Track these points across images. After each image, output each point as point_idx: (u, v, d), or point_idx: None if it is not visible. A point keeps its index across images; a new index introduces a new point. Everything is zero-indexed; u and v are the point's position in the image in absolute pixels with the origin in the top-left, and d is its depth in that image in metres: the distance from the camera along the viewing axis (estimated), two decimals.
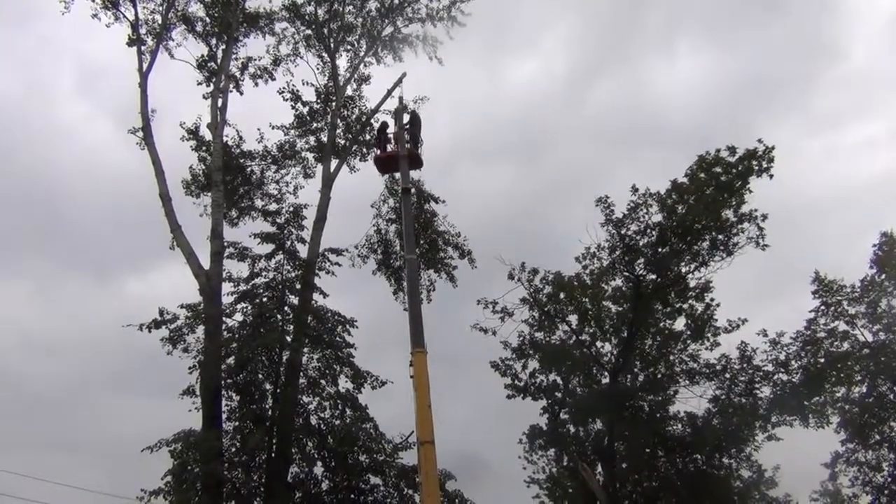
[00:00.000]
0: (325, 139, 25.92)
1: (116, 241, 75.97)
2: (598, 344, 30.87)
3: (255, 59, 26.70)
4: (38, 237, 74.48)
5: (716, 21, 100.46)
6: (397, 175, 20.39)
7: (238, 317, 20.55)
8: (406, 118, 19.63)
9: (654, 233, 26.47)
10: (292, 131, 26.26)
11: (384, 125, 20.51)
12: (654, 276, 27.69)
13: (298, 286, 21.12)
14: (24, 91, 75.99)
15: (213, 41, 26.03)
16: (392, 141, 19.55)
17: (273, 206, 25.30)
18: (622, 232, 26.84)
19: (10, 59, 74.86)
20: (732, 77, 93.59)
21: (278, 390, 19.67)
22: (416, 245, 20.69)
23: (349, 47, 28.17)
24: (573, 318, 30.51)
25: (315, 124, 26.46)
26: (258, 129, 25.91)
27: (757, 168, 25.38)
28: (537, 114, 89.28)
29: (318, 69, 27.28)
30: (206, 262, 20.73)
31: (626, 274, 28.12)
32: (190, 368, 19.43)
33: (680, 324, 29.61)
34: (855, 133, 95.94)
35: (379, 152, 20.23)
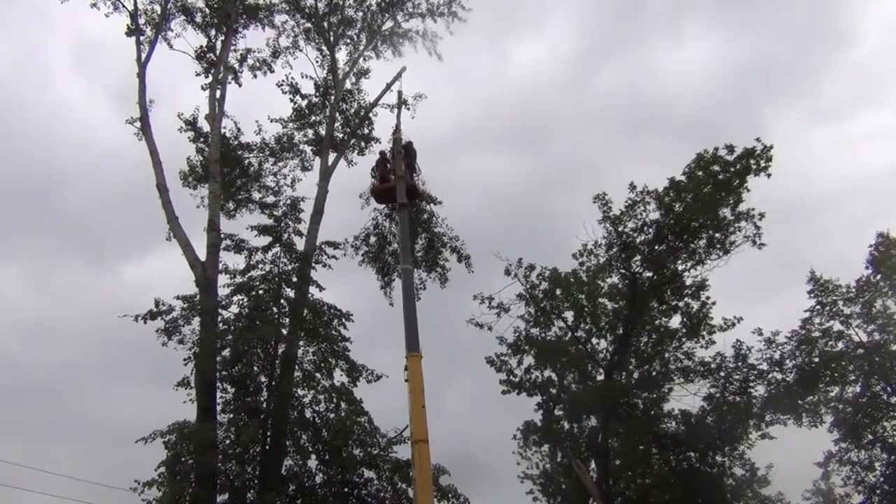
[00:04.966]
0: (323, 132, 25.86)
1: (113, 224, 75.58)
2: (594, 341, 31.09)
3: (255, 51, 26.75)
4: (33, 219, 74.14)
5: (723, 4, 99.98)
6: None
7: (234, 309, 20.46)
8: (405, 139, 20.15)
9: (651, 230, 26.58)
10: (290, 124, 26.21)
11: (384, 156, 20.65)
12: (650, 274, 27.79)
13: (295, 279, 21.08)
14: (18, 68, 75.28)
15: (213, 32, 25.99)
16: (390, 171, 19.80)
17: (270, 199, 25.28)
18: (619, 229, 26.92)
19: (5, 35, 73.99)
20: (739, 63, 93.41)
21: (273, 383, 19.63)
22: (412, 254, 21.00)
23: (349, 41, 28.23)
24: (569, 315, 30.67)
25: (313, 117, 26.37)
26: (256, 122, 25.93)
27: (755, 167, 25.44)
28: (541, 99, 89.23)
29: (317, 62, 27.32)
30: (202, 254, 20.72)
31: (623, 271, 28.24)
32: (185, 360, 19.41)
33: (675, 321, 29.78)
34: (862, 123, 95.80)
35: (377, 183, 20.47)
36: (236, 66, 26.17)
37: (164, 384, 20.06)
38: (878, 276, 29.90)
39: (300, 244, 21.87)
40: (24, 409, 54.06)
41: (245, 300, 20.51)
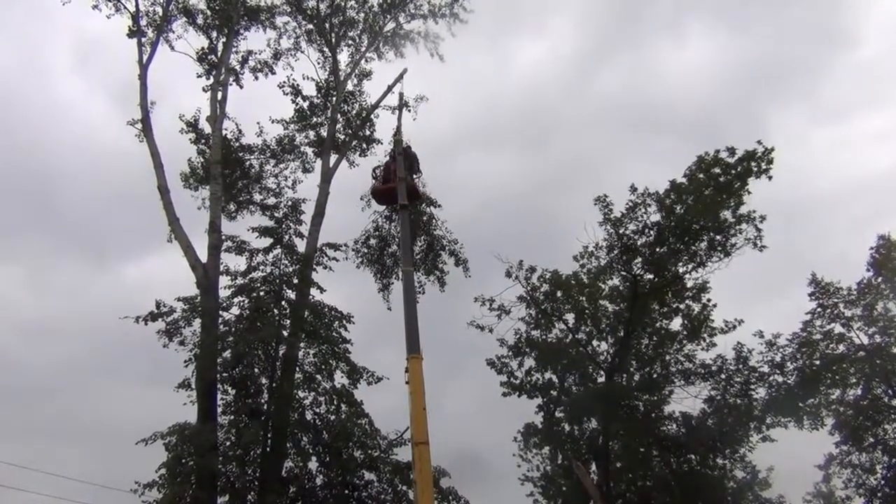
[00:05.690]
0: (324, 134, 25.86)
1: (113, 224, 75.58)
2: (595, 343, 31.04)
3: (256, 53, 26.74)
4: (33, 219, 74.09)
5: (725, 5, 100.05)
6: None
7: (235, 311, 20.45)
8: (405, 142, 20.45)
9: (652, 232, 26.50)
10: (292, 125, 26.21)
11: (390, 162, 20.73)
12: (651, 276, 27.74)
13: (296, 281, 21.09)
14: (19, 68, 75.11)
15: (214, 34, 25.98)
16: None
17: (271, 201, 25.28)
18: (620, 231, 26.86)
19: (6, 34, 73.77)
20: (741, 63, 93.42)
21: (274, 385, 19.63)
22: (413, 255, 21.05)
23: (350, 42, 28.26)
24: (570, 317, 30.64)
25: (315, 119, 26.38)
26: (258, 123, 25.92)
27: (756, 169, 25.39)
28: (543, 100, 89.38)
29: (318, 64, 27.36)
30: (203, 255, 20.68)
31: (624, 273, 28.18)
32: (186, 362, 19.42)
33: (676, 324, 29.76)
34: (864, 124, 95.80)
35: (378, 183, 20.56)
36: (237, 67, 26.20)
37: (164, 385, 20.08)
38: (879, 279, 29.89)
39: (301, 246, 21.91)
40: (24, 409, 54.11)
41: (246, 302, 20.50)
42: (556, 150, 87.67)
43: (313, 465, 19.11)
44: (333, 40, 27.59)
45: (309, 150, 26.45)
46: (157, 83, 24.56)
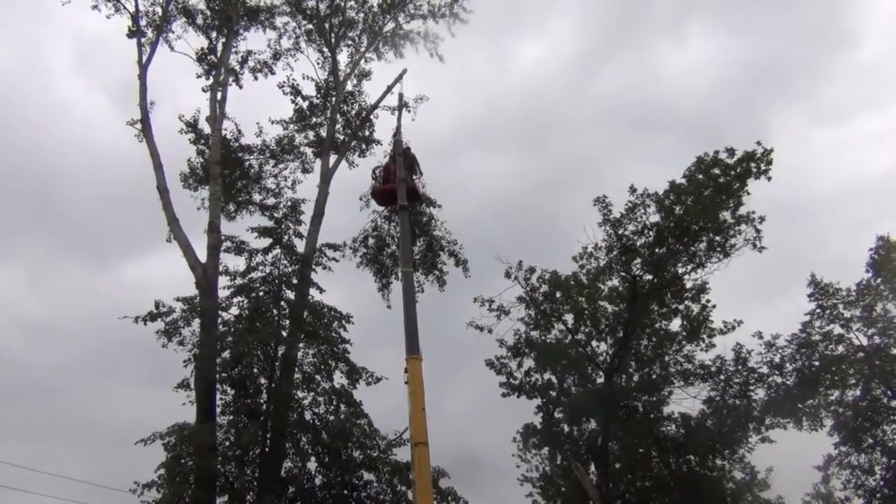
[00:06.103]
0: (324, 134, 25.87)
1: (113, 224, 75.61)
2: (594, 343, 31.02)
3: (256, 53, 26.70)
4: (33, 219, 74.05)
5: (725, 5, 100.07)
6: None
7: (234, 311, 20.52)
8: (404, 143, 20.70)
9: (651, 233, 26.47)
10: (291, 126, 26.21)
11: (390, 163, 20.76)
12: (650, 277, 27.71)
13: (295, 281, 21.10)
14: (19, 68, 75.05)
15: (214, 34, 25.97)
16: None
17: (271, 201, 25.33)
18: (619, 232, 26.83)
19: (6, 34, 73.66)
20: (742, 63, 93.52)
21: (273, 385, 19.65)
22: (412, 256, 21.10)
23: (350, 42, 28.27)
24: (569, 318, 30.60)
25: (314, 119, 26.38)
26: (257, 124, 25.91)
27: (755, 170, 25.37)
28: (543, 100, 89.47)
29: (318, 64, 27.37)
30: (202, 256, 20.68)
31: (623, 274, 28.15)
32: (185, 362, 19.42)
33: (675, 324, 29.75)
34: (864, 125, 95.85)
35: (378, 184, 20.61)
36: (237, 67, 26.16)
37: (163, 385, 20.07)
38: (879, 280, 29.87)
39: (300, 246, 21.91)
40: (24, 409, 54.07)
41: (245, 302, 20.54)
42: (556, 150, 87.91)
43: (312, 465, 19.15)
44: (333, 40, 27.59)
45: (308, 151, 26.49)
46: (156, 83, 24.69)
